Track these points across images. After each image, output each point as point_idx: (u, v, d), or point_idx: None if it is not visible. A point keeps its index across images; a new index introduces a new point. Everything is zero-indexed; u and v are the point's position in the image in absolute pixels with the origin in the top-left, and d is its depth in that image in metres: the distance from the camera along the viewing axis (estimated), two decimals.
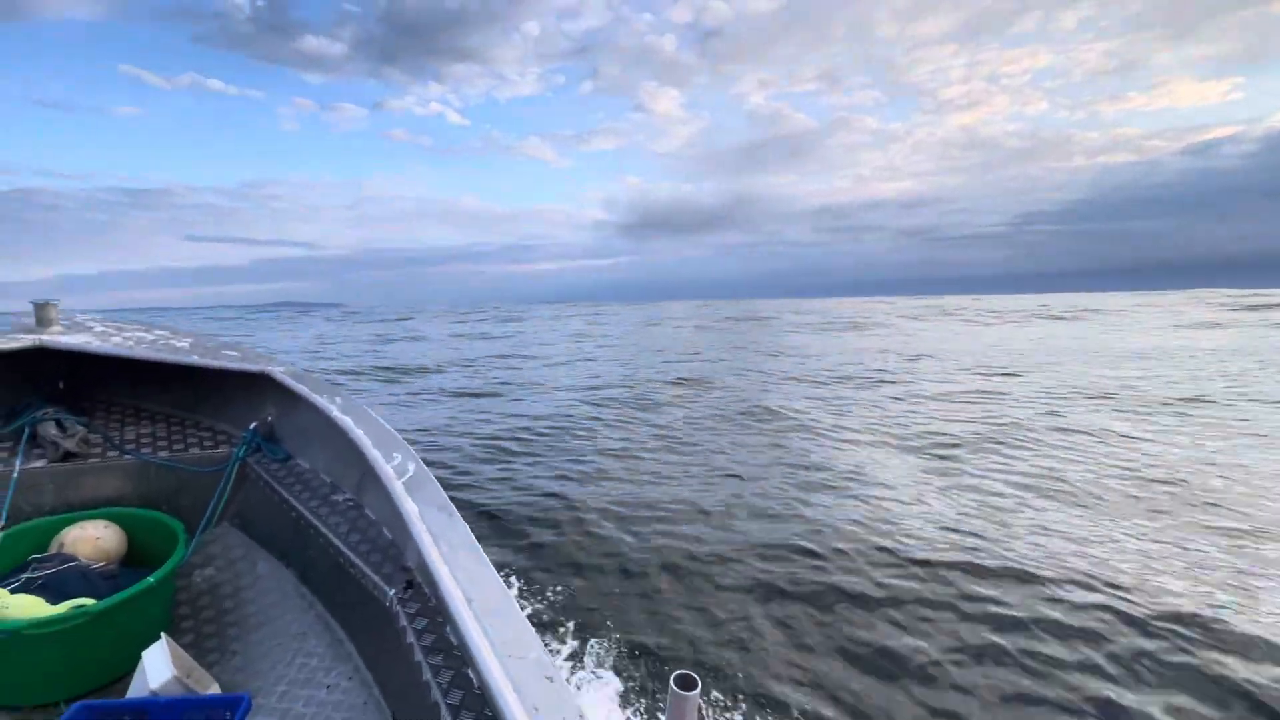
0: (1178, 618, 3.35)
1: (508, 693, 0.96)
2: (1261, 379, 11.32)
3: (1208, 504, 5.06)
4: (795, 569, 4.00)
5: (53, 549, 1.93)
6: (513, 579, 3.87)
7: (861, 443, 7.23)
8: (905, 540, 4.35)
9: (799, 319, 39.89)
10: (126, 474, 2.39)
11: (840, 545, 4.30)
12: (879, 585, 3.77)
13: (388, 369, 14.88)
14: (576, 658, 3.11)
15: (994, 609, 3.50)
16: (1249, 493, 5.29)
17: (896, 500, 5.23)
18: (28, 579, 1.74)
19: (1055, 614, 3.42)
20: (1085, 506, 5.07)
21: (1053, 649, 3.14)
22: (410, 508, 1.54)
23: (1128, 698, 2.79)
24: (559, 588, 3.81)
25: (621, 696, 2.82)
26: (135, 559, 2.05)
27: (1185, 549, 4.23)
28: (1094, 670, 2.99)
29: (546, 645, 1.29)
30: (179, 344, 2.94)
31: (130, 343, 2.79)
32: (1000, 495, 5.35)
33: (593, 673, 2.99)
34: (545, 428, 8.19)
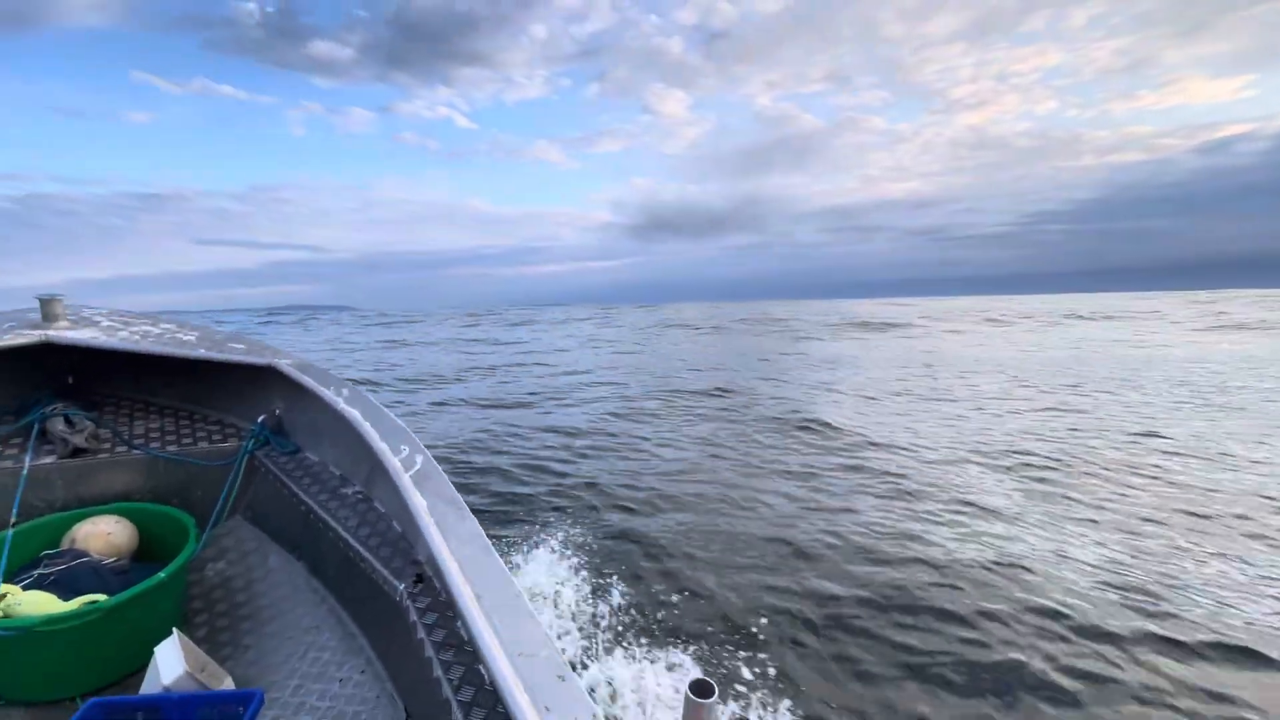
0: None
1: (518, 691, 0.95)
2: None
3: None
4: (939, 640, 3.25)
5: (64, 545, 1.93)
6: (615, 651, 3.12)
7: (948, 463, 6.45)
8: (1063, 600, 3.58)
9: (816, 322, 38.97)
10: (136, 469, 2.39)
11: (985, 604, 3.55)
12: (1059, 668, 3.00)
13: (406, 379, 14.23)
14: None
15: (1227, 710, 2.73)
16: None
17: (1022, 539, 4.46)
18: (40, 575, 1.73)
19: None
20: (1258, 549, 4.28)
21: None
22: (419, 502, 1.54)
23: None
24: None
25: None
26: (147, 554, 2.05)
27: None
28: None
29: None
30: (185, 337, 2.88)
31: (137, 337, 2.75)
32: (1140, 535, 4.57)
33: None
34: (587, 446, 7.46)
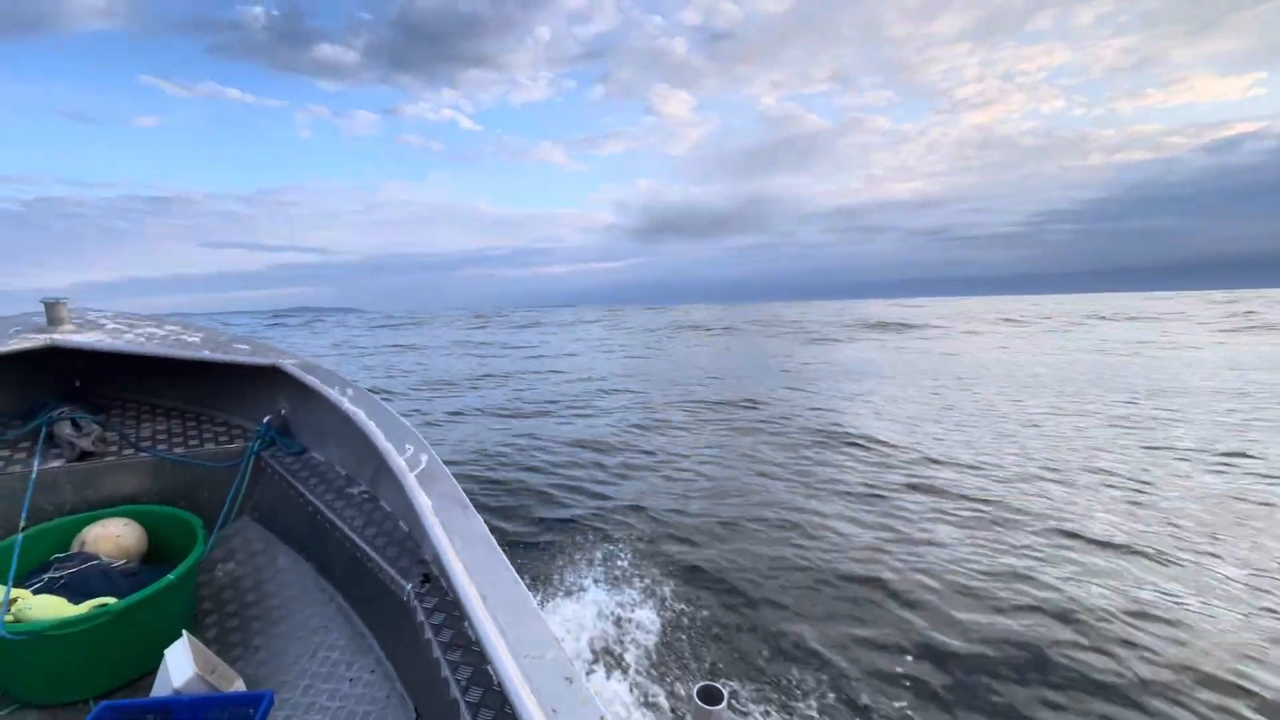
0: None
1: (525, 694, 0.95)
2: None
3: None
4: None
5: (74, 548, 1.93)
6: None
7: (1022, 481, 5.87)
8: (1239, 668, 3.00)
9: (827, 323, 38.33)
10: (143, 471, 2.39)
11: (1141, 670, 2.99)
12: None
13: (419, 386, 13.72)
14: None
15: None
16: None
17: (1148, 580, 3.89)
18: (50, 579, 1.73)
19: None
20: None
21: None
22: (424, 501, 1.53)
23: None
24: None
25: None
26: (156, 555, 2.04)
27: None
28: None
29: None
30: (190, 339, 2.87)
31: (142, 339, 2.73)
32: None
33: None
34: (622, 464, 6.92)
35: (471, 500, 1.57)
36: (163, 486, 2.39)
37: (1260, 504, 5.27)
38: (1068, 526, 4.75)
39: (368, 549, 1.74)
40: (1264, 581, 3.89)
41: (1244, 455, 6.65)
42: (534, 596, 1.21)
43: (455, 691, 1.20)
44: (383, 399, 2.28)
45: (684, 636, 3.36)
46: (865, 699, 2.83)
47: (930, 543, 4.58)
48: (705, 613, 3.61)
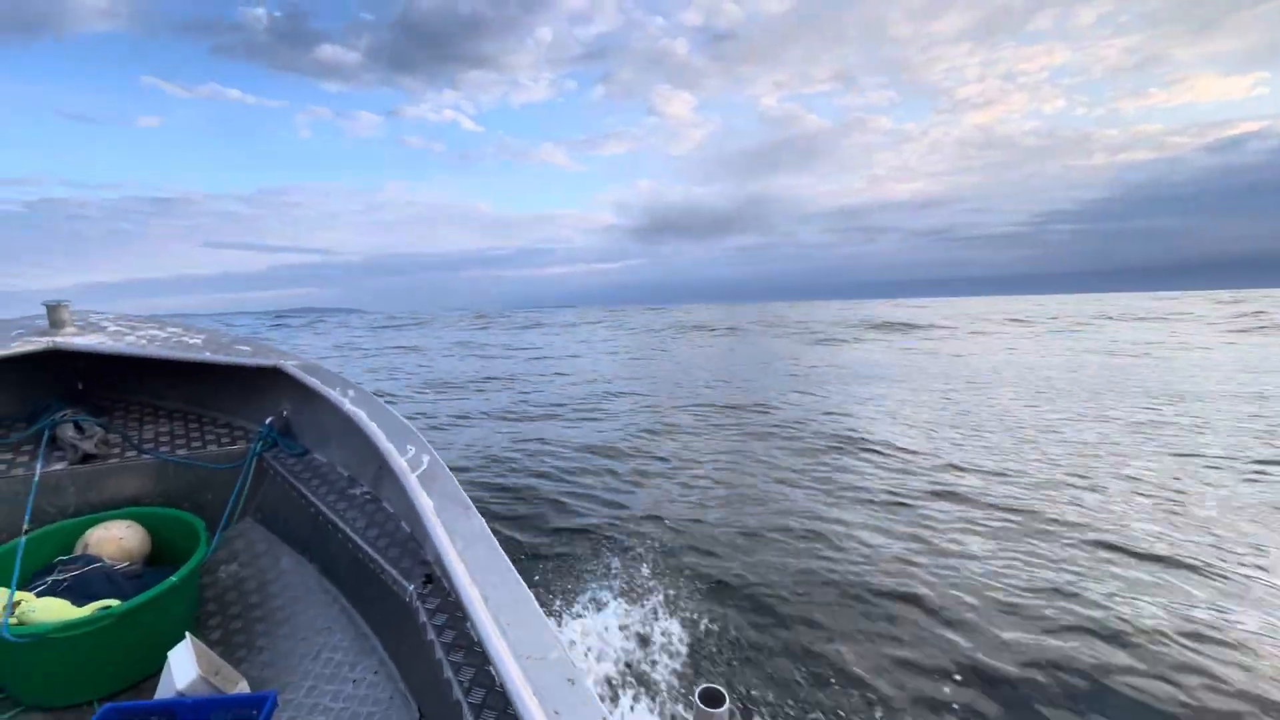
0: None
1: (527, 695, 0.94)
2: None
3: None
4: None
5: (77, 550, 1.93)
6: None
7: (1050, 488, 5.68)
8: None
9: (832, 323, 38.09)
10: (146, 473, 2.38)
11: (1209, 701, 2.78)
12: None
13: (423, 388, 13.55)
14: None
15: None
16: None
17: (1203, 597, 3.69)
18: (53, 581, 1.72)
19: None
20: None
21: None
22: (426, 502, 1.52)
23: None
24: None
25: None
26: (159, 558, 2.04)
27: None
28: None
29: None
30: (192, 341, 2.86)
31: (144, 341, 2.72)
32: None
33: None
34: (635, 471, 6.73)
35: (484, 509, 1.49)
36: (165, 488, 2.40)
37: None
38: (1107, 538, 4.56)
39: (370, 550, 1.75)
40: None
41: (1278, 464, 6.46)
42: (554, 609, 1.16)
43: (458, 693, 1.20)
44: (386, 401, 2.21)
45: (715, 660, 3.17)
46: None
47: (963, 555, 4.39)
48: (734, 633, 3.42)
